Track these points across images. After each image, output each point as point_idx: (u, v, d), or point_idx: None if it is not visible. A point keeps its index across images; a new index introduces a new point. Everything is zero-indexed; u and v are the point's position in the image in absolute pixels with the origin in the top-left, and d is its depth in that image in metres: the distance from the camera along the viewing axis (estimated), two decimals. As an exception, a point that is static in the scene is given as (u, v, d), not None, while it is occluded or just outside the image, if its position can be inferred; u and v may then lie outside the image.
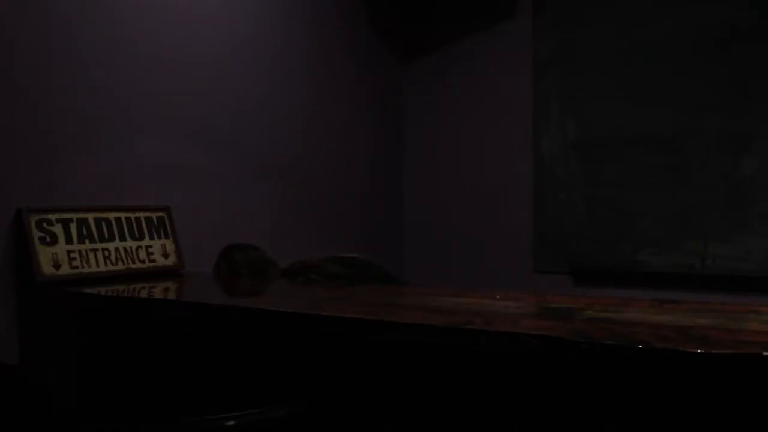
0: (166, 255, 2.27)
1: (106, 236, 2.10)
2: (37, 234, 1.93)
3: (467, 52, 3.58)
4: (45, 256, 1.93)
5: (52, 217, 1.99)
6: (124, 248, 2.14)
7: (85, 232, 2.05)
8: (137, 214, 2.22)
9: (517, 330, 1.25)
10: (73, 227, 2.02)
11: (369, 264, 2.28)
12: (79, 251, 2.02)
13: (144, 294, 1.95)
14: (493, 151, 3.51)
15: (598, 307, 1.50)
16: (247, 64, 2.74)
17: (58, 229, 1.99)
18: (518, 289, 1.86)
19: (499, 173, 3.49)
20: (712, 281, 2.96)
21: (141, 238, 2.21)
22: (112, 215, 2.14)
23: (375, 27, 3.52)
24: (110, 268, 2.08)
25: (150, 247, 2.23)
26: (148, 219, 2.25)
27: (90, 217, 2.07)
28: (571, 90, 3.29)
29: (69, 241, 2.00)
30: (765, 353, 1.02)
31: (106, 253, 2.09)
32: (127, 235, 2.16)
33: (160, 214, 2.30)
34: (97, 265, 2.05)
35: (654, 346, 1.08)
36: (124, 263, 2.13)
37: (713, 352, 1.04)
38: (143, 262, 2.19)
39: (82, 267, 2.01)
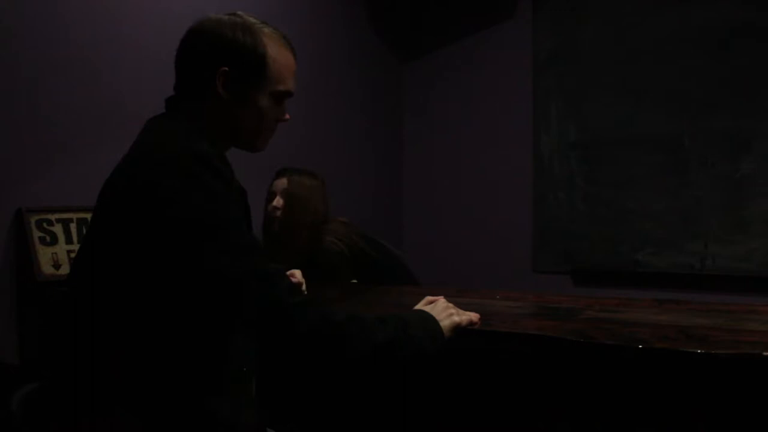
0: (166, 255, 2.27)
1: (106, 236, 2.10)
2: (37, 234, 1.93)
3: (467, 51, 3.58)
4: (45, 256, 1.93)
5: (52, 217, 1.99)
6: (124, 248, 2.14)
7: (84, 232, 2.05)
8: (137, 214, 2.21)
9: (517, 330, 1.25)
10: (73, 227, 2.02)
11: (393, 256, 2.30)
12: (79, 251, 2.02)
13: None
14: (493, 150, 3.51)
15: (598, 307, 1.50)
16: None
17: (58, 229, 1.99)
18: (518, 289, 1.86)
19: (498, 173, 3.49)
20: (712, 281, 2.96)
21: (141, 238, 2.20)
22: (112, 215, 2.13)
23: (376, 26, 3.52)
24: (110, 268, 2.08)
25: (150, 247, 2.22)
26: (148, 219, 2.24)
27: (90, 217, 2.07)
28: (570, 90, 3.29)
29: (69, 241, 2.00)
30: (765, 353, 1.02)
31: (106, 253, 2.08)
32: (127, 235, 2.16)
33: (160, 214, 2.29)
34: (97, 265, 2.05)
35: (654, 346, 1.08)
36: (124, 263, 2.13)
37: (713, 352, 1.04)
38: (143, 262, 2.19)
39: (82, 267, 2.01)
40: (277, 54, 1.16)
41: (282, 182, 2.25)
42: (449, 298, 1.30)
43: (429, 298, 1.31)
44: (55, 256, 1.95)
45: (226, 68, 1.12)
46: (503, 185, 3.47)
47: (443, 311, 1.23)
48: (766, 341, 1.15)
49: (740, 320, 1.36)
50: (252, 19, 1.16)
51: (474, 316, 1.27)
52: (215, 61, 1.12)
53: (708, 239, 2.96)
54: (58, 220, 2.00)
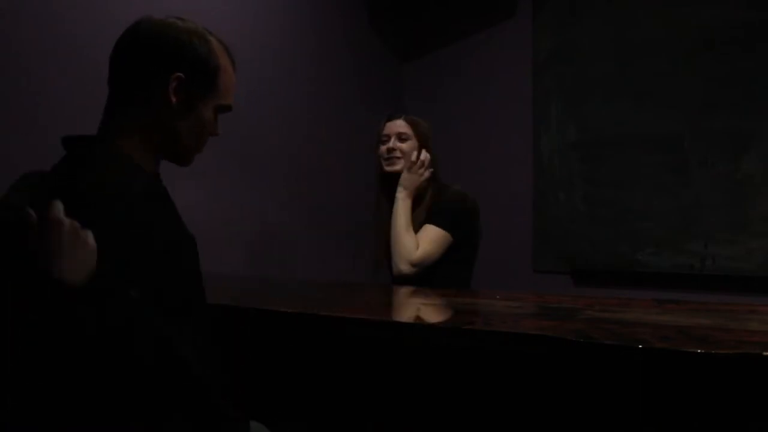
0: (166, 255, 2.26)
1: (106, 236, 2.09)
2: (37, 234, 1.93)
3: (467, 51, 3.58)
4: (45, 255, 1.92)
5: (52, 216, 1.99)
6: (124, 248, 2.14)
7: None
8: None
9: (517, 330, 1.25)
10: (73, 227, 2.01)
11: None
12: (79, 251, 2.01)
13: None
14: (493, 150, 3.51)
15: (598, 307, 1.50)
16: (248, 63, 2.74)
17: (58, 228, 1.98)
18: (518, 289, 1.86)
19: (498, 172, 3.49)
20: (712, 281, 2.96)
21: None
22: (112, 215, 2.13)
23: (376, 26, 3.52)
24: (110, 267, 2.07)
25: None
26: (148, 219, 2.24)
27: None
28: (570, 90, 3.29)
29: (69, 240, 1.99)
30: (765, 353, 1.02)
31: (106, 253, 2.08)
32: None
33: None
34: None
35: (654, 346, 1.08)
36: (124, 263, 2.12)
37: (713, 352, 1.03)
38: (143, 261, 2.18)
39: (82, 267, 2.00)
40: (226, 67, 1.13)
41: (398, 124, 2.29)
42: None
43: None
44: (55, 256, 1.95)
45: (181, 74, 1.07)
46: (503, 185, 3.47)
47: None
48: (766, 341, 1.15)
49: (740, 320, 1.35)
50: (201, 27, 1.12)
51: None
52: (170, 66, 1.07)
53: (708, 239, 2.96)
54: (58, 220, 1.99)
